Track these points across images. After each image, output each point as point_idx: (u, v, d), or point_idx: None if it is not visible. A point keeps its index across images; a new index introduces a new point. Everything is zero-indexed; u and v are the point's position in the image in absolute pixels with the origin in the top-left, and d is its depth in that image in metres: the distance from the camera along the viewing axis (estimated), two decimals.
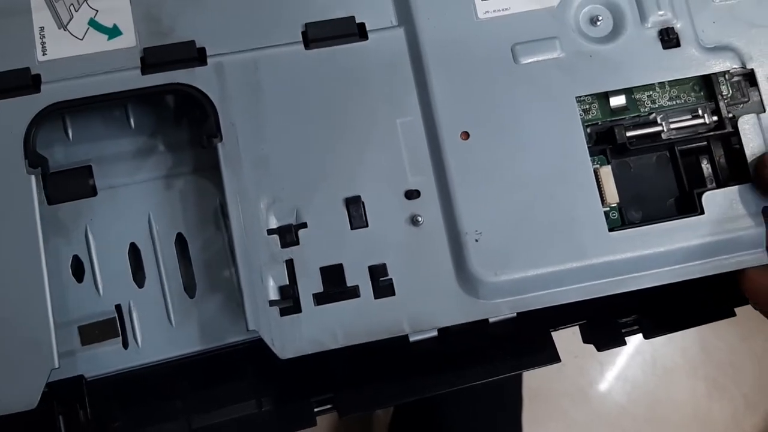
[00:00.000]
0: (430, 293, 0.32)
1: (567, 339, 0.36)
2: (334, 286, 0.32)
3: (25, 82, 0.32)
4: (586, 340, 0.36)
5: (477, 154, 0.32)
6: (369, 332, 0.31)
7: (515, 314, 0.33)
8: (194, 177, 0.35)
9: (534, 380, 0.75)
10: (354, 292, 0.32)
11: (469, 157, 0.32)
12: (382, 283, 0.32)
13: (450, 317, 0.32)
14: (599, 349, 0.36)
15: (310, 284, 0.32)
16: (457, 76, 0.33)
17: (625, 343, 0.35)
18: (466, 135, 0.33)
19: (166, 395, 0.34)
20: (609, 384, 0.82)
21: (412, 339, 0.32)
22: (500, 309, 0.32)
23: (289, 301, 0.32)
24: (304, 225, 0.32)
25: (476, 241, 0.32)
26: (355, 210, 0.32)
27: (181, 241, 0.35)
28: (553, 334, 0.35)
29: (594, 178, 0.33)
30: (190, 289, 0.35)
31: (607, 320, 0.36)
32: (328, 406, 0.34)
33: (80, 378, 0.33)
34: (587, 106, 0.34)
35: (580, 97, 0.34)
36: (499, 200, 0.32)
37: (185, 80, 0.33)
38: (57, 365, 0.30)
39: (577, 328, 0.36)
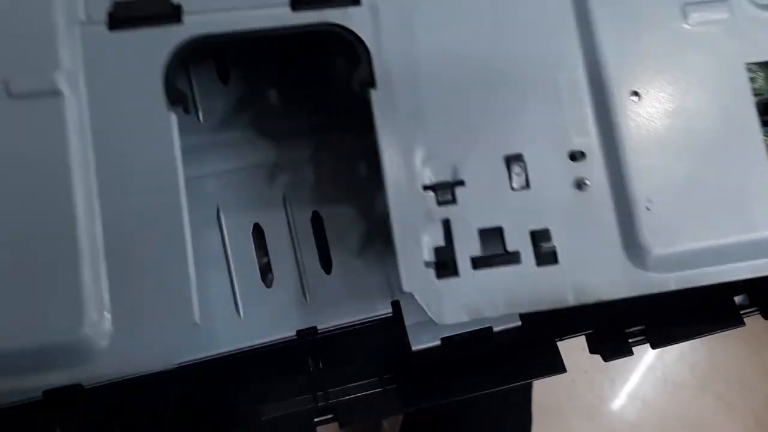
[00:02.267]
0: (596, 263, 0.30)
1: (577, 355, 0.34)
2: (494, 250, 0.30)
3: (166, 11, 0.30)
4: (592, 351, 0.35)
5: (648, 116, 0.30)
6: (531, 302, 0.29)
7: (519, 323, 0.32)
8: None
9: (544, 397, 0.74)
10: (515, 258, 0.29)
11: (639, 118, 0.30)
12: (544, 249, 0.30)
13: (617, 290, 0.30)
14: (606, 359, 0.35)
15: (468, 247, 0.29)
16: (624, 30, 0.31)
17: (632, 353, 0.34)
18: (636, 95, 0.30)
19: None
20: (619, 401, 0.81)
21: (414, 348, 0.31)
22: (668, 283, 0.30)
23: (445, 263, 0.29)
24: (461, 183, 0.30)
25: (647, 209, 0.30)
26: (517, 169, 0.30)
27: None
28: (563, 350, 0.33)
29: (766, 148, 0.31)
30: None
31: (614, 330, 0.34)
32: (330, 416, 0.32)
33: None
34: (754, 75, 0.32)
35: (750, 64, 0.32)
36: (670, 167, 0.30)
37: (339, 20, 0.30)
38: (198, 321, 0.28)
39: (584, 343, 0.35)
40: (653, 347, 0.34)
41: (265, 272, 0.34)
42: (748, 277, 0.30)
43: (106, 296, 0.28)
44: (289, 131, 0.35)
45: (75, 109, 0.28)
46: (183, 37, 0.29)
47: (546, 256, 0.30)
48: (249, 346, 0.33)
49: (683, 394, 0.81)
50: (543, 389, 0.68)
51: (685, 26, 0.31)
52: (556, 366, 0.33)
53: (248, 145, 0.35)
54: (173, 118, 0.29)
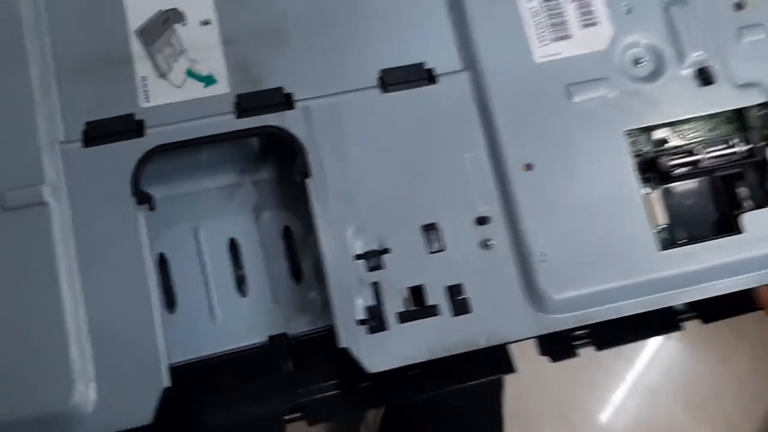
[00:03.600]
0: (503, 310, 0.35)
1: (545, 361, 0.38)
2: (416, 305, 0.35)
3: (130, 126, 0.36)
4: (542, 353, 0.38)
5: (540, 183, 0.36)
6: (449, 347, 0.35)
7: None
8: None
9: (516, 402, 0.77)
10: (434, 311, 0.35)
11: (532, 186, 0.36)
12: (459, 301, 0.35)
13: (521, 332, 0.35)
14: (554, 360, 0.38)
15: (394, 304, 0.35)
16: (518, 114, 0.37)
17: (576, 355, 0.37)
18: (528, 167, 0.36)
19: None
20: (591, 406, 0.83)
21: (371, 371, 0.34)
22: (566, 323, 0.35)
23: (375, 320, 0.35)
24: (387, 251, 0.35)
25: (542, 262, 0.35)
26: (433, 235, 0.36)
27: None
28: (533, 356, 0.37)
29: (643, 202, 0.36)
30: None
31: (560, 333, 0.36)
32: (298, 414, 0.36)
33: None
34: (634, 139, 0.38)
35: (628, 130, 0.37)
36: (561, 225, 0.36)
37: (277, 123, 0.36)
38: (168, 384, 0.33)
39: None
40: (598, 349, 0.38)
41: (240, 283, 0.38)
42: (633, 313, 0.36)
43: (91, 370, 0.33)
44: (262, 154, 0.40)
45: (59, 215, 0.34)
46: (145, 148, 0.35)
47: (460, 307, 0.35)
48: (224, 351, 0.37)
49: (654, 399, 0.84)
50: (515, 395, 0.72)
51: (570, 104, 0.37)
52: (507, 366, 0.37)
53: (223, 165, 0.39)
54: (141, 216, 0.35)
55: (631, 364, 0.84)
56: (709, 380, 0.84)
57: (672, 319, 0.37)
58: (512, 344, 0.36)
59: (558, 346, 0.37)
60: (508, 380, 0.70)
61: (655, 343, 0.84)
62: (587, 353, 0.38)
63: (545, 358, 0.37)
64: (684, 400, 0.84)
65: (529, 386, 0.80)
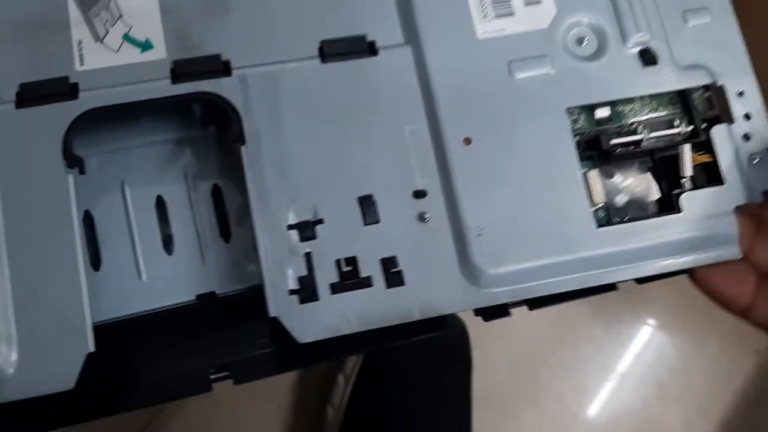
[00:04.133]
0: (437, 283, 0.35)
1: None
2: (349, 276, 0.35)
3: (64, 89, 0.35)
4: (476, 314, 0.37)
5: (478, 158, 0.36)
6: (381, 318, 0.34)
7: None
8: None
9: (487, 385, 0.76)
10: (367, 282, 0.35)
11: (471, 161, 0.36)
12: (392, 273, 0.35)
13: (454, 305, 0.35)
14: (486, 319, 0.37)
15: (326, 275, 0.35)
16: (459, 89, 0.37)
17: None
18: (468, 141, 0.36)
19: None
20: (560, 389, 0.83)
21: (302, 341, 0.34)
22: (499, 297, 0.35)
23: (307, 290, 0.34)
24: (320, 221, 0.35)
25: (478, 236, 0.35)
26: (368, 207, 0.35)
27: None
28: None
29: (582, 180, 0.36)
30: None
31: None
32: (226, 374, 0.36)
33: None
34: (576, 117, 0.38)
35: (570, 108, 0.37)
36: (498, 200, 0.35)
37: (212, 89, 0.36)
38: (92, 349, 0.33)
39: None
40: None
41: (168, 242, 0.38)
42: (568, 290, 0.35)
43: (14, 332, 0.33)
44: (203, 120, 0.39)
45: None
46: (78, 111, 0.35)
47: (394, 280, 0.35)
48: (150, 309, 0.36)
49: (625, 383, 0.84)
50: (485, 377, 0.72)
51: (512, 80, 0.37)
52: (441, 324, 0.36)
53: (152, 122, 0.38)
54: (71, 179, 0.34)
55: (602, 349, 0.83)
56: (680, 364, 0.85)
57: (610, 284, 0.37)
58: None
59: (492, 308, 0.36)
60: (480, 365, 0.70)
61: (626, 329, 0.84)
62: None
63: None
64: (655, 384, 0.84)
65: (499, 372, 0.79)
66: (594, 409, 0.83)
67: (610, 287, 0.37)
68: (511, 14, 0.38)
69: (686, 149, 0.37)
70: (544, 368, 0.82)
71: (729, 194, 0.37)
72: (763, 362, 0.85)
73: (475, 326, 0.69)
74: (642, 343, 0.85)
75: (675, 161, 0.38)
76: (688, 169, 0.37)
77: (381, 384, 0.65)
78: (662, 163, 0.38)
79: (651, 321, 0.85)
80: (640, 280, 0.37)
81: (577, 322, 0.82)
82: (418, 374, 0.64)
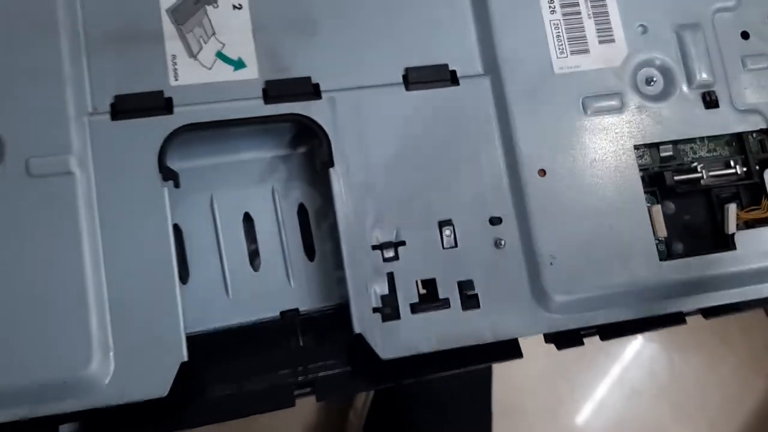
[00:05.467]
0: (510, 307, 0.37)
1: (540, 361, 0.39)
2: (429, 297, 0.36)
3: (159, 103, 0.36)
4: (547, 340, 0.39)
5: (552, 188, 0.38)
6: (457, 339, 0.36)
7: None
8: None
9: (506, 397, 0.79)
10: (445, 304, 0.36)
11: (545, 191, 0.38)
12: (468, 296, 0.37)
13: (526, 329, 0.37)
14: (559, 348, 0.39)
15: (407, 295, 0.36)
16: (535, 121, 0.38)
17: (582, 343, 0.39)
18: (543, 172, 0.38)
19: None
20: (578, 404, 0.86)
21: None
22: (569, 323, 0.37)
23: (389, 309, 0.36)
24: (403, 243, 0.37)
25: (550, 264, 0.37)
26: (447, 232, 0.37)
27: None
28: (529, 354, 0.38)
29: (648, 214, 0.38)
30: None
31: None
32: (308, 390, 0.37)
33: None
34: (641, 153, 0.40)
35: (637, 145, 0.39)
36: (570, 230, 0.38)
37: (303, 111, 0.37)
38: (186, 358, 0.34)
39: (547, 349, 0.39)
40: (602, 339, 0.39)
41: (254, 257, 0.39)
42: (632, 318, 0.38)
43: (111, 340, 0.34)
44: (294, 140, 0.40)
45: (84, 186, 0.35)
46: (173, 126, 0.36)
47: (470, 302, 0.37)
48: (236, 324, 0.38)
49: (640, 400, 0.87)
50: (505, 390, 0.74)
51: (584, 115, 0.39)
52: (517, 352, 0.38)
53: (243, 140, 0.39)
54: (166, 192, 0.35)
55: (620, 365, 0.86)
56: (694, 383, 0.88)
57: (677, 315, 0.39)
58: None
59: (564, 335, 0.38)
60: (498, 377, 0.72)
61: (641, 347, 0.87)
62: (576, 351, 0.40)
63: (534, 356, 0.39)
64: (669, 401, 0.87)
65: (519, 383, 0.82)
66: (609, 425, 0.86)
67: (679, 320, 0.39)
68: (586, 51, 0.40)
69: (731, 209, 0.40)
70: (562, 383, 0.85)
71: None
72: None
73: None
74: (657, 361, 0.88)
75: (730, 200, 0.40)
76: (731, 227, 0.40)
77: (403, 390, 0.67)
78: (718, 201, 0.41)
79: (664, 341, 0.88)
80: (705, 313, 0.39)
81: (596, 338, 0.85)
82: (442, 382, 0.66)
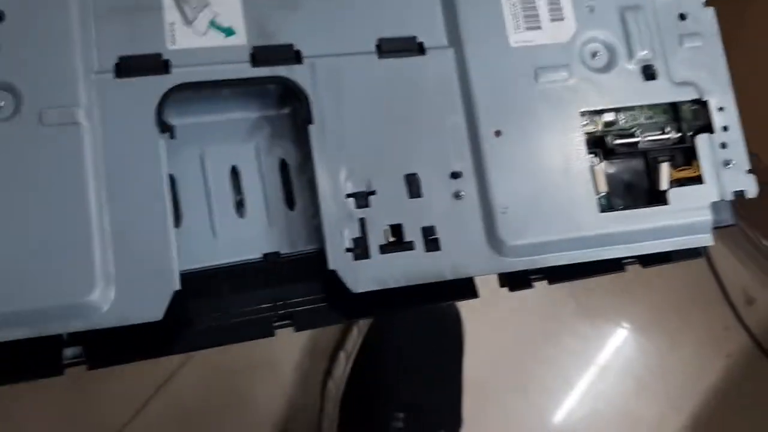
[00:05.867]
0: (467, 250, 0.42)
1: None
2: (395, 240, 0.41)
3: (158, 64, 0.41)
4: (501, 284, 0.44)
5: (507, 147, 0.43)
6: (421, 276, 0.41)
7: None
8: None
9: (477, 374, 0.82)
10: (410, 246, 0.41)
11: (500, 150, 0.43)
12: (431, 240, 0.41)
13: (481, 269, 0.42)
14: (511, 289, 0.44)
15: (377, 238, 0.41)
16: (492, 88, 0.43)
17: (532, 286, 0.44)
18: (498, 133, 0.43)
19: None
20: (545, 379, 0.89)
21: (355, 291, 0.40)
22: (519, 265, 0.42)
23: (360, 249, 0.41)
24: (373, 192, 0.41)
25: (503, 213, 0.42)
26: (413, 183, 0.42)
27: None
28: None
29: (590, 172, 0.43)
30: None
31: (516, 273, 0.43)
32: (287, 322, 0.41)
33: None
34: (586, 119, 0.45)
35: (582, 111, 0.44)
36: (521, 184, 0.42)
37: (286, 75, 0.42)
38: (179, 287, 0.39)
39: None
40: (550, 283, 0.44)
41: (240, 206, 0.43)
42: (573, 262, 0.43)
43: (112, 271, 0.38)
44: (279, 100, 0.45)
45: (90, 135, 0.39)
46: (170, 84, 0.40)
47: (432, 245, 0.41)
48: (222, 264, 0.42)
49: (606, 377, 0.90)
50: (476, 366, 0.78)
51: (536, 84, 0.44)
52: (472, 293, 0.43)
53: (232, 100, 0.44)
54: (162, 143, 0.40)
55: (585, 344, 0.90)
56: (658, 362, 0.92)
57: (617, 262, 0.44)
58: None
59: (516, 278, 0.43)
60: (470, 352, 0.76)
61: (608, 326, 0.92)
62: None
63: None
64: (633, 377, 0.91)
65: (489, 360, 0.86)
66: (575, 399, 0.90)
67: (618, 266, 0.44)
68: (539, 27, 0.45)
69: (664, 167, 0.45)
70: (531, 360, 0.88)
71: (707, 192, 0.44)
72: (732, 365, 0.93)
73: (469, 315, 0.76)
74: (622, 340, 0.92)
75: (666, 161, 0.46)
76: (665, 184, 0.45)
77: (380, 359, 0.72)
78: (654, 162, 0.46)
79: (630, 321, 0.92)
80: (642, 261, 0.44)
81: (564, 317, 0.90)
82: (416, 351, 0.71)
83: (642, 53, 0.45)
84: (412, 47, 0.44)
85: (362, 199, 0.41)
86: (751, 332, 0.94)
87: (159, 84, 0.40)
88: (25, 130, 0.38)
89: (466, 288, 0.43)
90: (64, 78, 0.39)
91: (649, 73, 0.45)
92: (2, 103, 0.38)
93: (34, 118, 0.38)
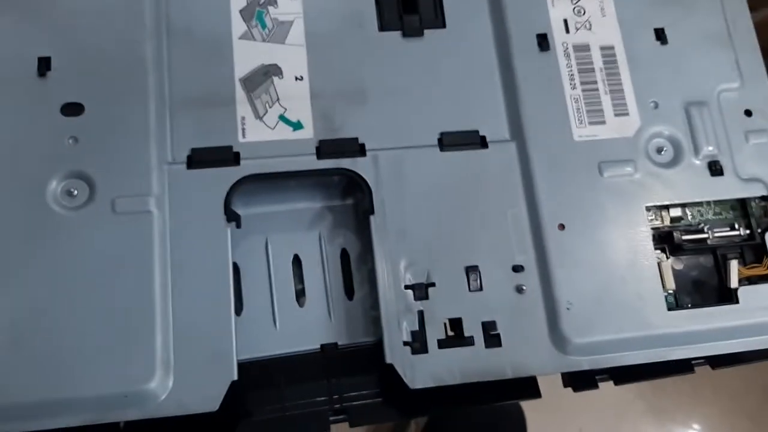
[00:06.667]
0: (529, 347, 0.41)
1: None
2: (455, 335, 0.41)
3: (228, 156, 0.42)
4: (565, 384, 0.43)
5: (570, 242, 0.42)
6: (480, 374, 0.40)
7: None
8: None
9: None
10: (470, 341, 0.40)
11: (564, 243, 0.42)
12: (491, 336, 0.41)
13: (544, 368, 0.41)
14: (575, 390, 0.43)
15: (435, 332, 0.41)
16: (556, 181, 0.43)
17: (597, 386, 0.42)
18: (562, 226, 0.42)
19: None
20: None
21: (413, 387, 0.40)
22: (581, 364, 0.41)
23: (418, 343, 0.40)
24: (432, 284, 0.41)
25: (567, 309, 0.41)
26: (473, 277, 0.42)
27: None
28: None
29: (657, 268, 0.42)
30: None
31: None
32: (342, 417, 0.41)
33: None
34: (652, 213, 0.44)
35: (648, 206, 0.44)
36: (586, 279, 0.42)
37: (350, 167, 0.43)
38: (236, 377, 0.39)
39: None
40: (616, 384, 0.43)
41: (300, 295, 0.43)
42: (642, 362, 0.41)
43: (171, 359, 0.39)
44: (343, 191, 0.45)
45: (160, 223, 0.40)
46: (239, 176, 0.42)
47: (492, 341, 0.41)
48: (280, 354, 0.42)
49: None
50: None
51: (601, 178, 0.44)
52: (535, 392, 0.42)
53: (298, 191, 0.45)
54: (228, 232, 0.41)
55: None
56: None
57: (686, 363, 0.43)
58: None
59: (580, 378, 0.42)
60: None
61: (678, 428, 0.88)
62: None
63: None
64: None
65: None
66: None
67: (687, 368, 0.42)
68: (603, 122, 0.45)
69: (734, 265, 0.44)
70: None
71: None
72: None
73: (532, 414, 0.73)
74: None
75: (735, 259, 0.44)
76: (734, 282, 0.43)
77: None
78: (723, 259, 0.44)
79: (700, 423, 0.88)
80: (712, 362, 0.42)
81: (632, 417, 0.85)
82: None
83: (708, 149, 0.45)
84: (474, 141, 0.44)
85: (421, 291, 0.41)
86: None
87: (229, 175, 0.42)
88: (98, 218, 0.40)
89: (527, 386, 0.42)
90: (139, 168, 0.41)
91: (715, 168, 0.45)
92: (76, 192, 0.40)
93: (107, 206, 0.40)
